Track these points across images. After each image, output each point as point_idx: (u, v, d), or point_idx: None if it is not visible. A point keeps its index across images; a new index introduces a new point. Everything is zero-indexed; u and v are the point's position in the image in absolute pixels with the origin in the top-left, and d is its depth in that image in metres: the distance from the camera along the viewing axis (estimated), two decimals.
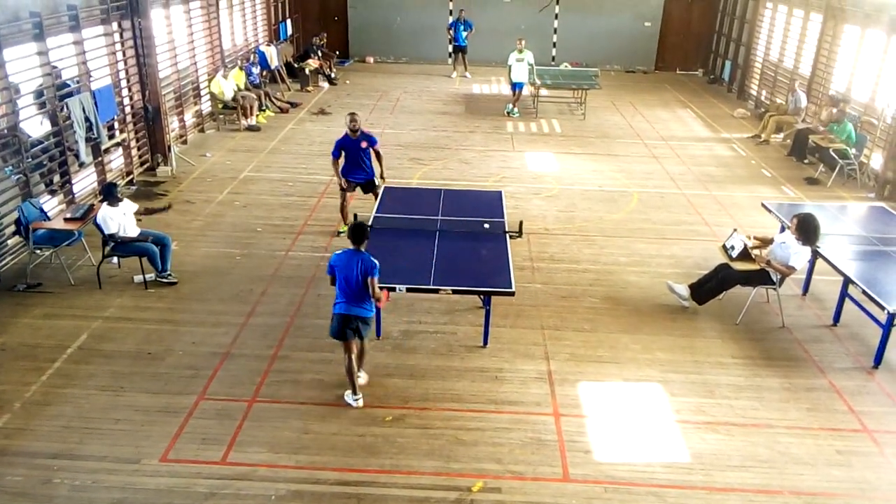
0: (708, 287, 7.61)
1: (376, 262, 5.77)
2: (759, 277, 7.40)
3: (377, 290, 5.78)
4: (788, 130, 13.99)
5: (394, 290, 6.62)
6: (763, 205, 9.00)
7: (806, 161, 12.84)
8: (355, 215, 7.78)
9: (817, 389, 6.48)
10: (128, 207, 7.92)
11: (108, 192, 7.73)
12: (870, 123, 12.13)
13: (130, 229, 7.82)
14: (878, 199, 11.15)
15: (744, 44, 18.51)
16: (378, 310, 6.85)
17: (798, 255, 7.18)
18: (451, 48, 20.51)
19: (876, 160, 11.94)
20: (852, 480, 5.41)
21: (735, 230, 7.84)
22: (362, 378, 6.27)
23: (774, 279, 7.36)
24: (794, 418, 6.06)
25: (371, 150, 9.04)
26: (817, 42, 14.39)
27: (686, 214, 10.51)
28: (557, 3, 21.03)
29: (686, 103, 17.85)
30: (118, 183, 7.97)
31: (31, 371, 6.34)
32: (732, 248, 7.61)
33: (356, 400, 6.05)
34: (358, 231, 5.82)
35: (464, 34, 19.53)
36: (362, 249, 5.82)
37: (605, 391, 6.36)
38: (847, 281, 7.16)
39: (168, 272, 7.96)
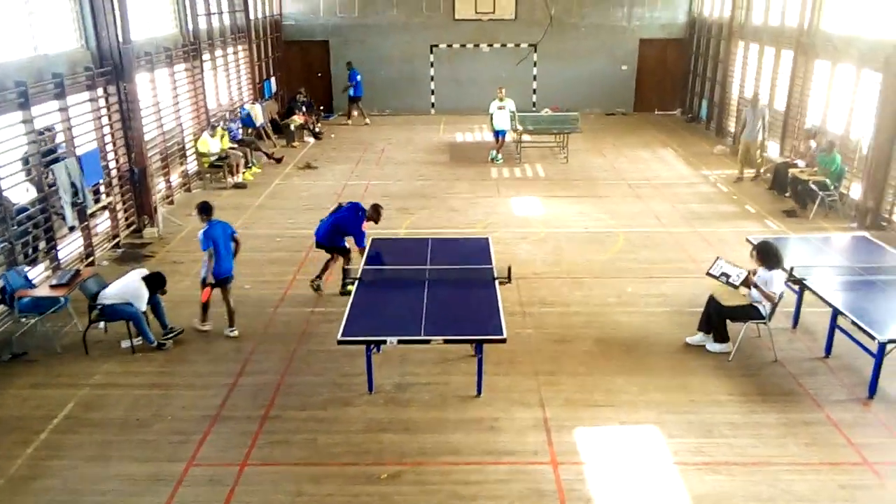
0: (714, 320, 7.58)
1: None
2: (747, 313, 7.41)
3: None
4: (768, 165, 14.21)
5: (384, 342, 6.59)
6: (748, 240, 9.05)
7: (787, 194, 12.99)
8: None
9: (815, 423, 6.43)
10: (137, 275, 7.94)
11: (159, 284, 7.91)
12: (846, 154, 12.33)
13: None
14: (859, 228, 11.27)
15: (719, 82, 18.92)
16: (369, 363, 6.81)
17: (772, 280, 7.22)
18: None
19: (855, 190, 12.11)
20: None
21: (718, 258, 7.82)
22: (234, 333, 8.11)
23: (763, 313, 7.37)
24: (794, 454, 6.00)
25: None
26: (790, 77, 14.72)
27: (673, 252, 10.58)
28: (535, 51, 21.51)
29: (666, 143, 18.13)
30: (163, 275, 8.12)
31: (16, 444, 6.19)
32: (726, 276, 7.52)
33: (204, 324, 8.16)
34: (207, 207, 8.04)
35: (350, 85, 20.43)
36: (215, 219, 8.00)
37: (602, 436, 6.28)
38: (836, 312, 7.18)
39: (170, 327, 7.99)
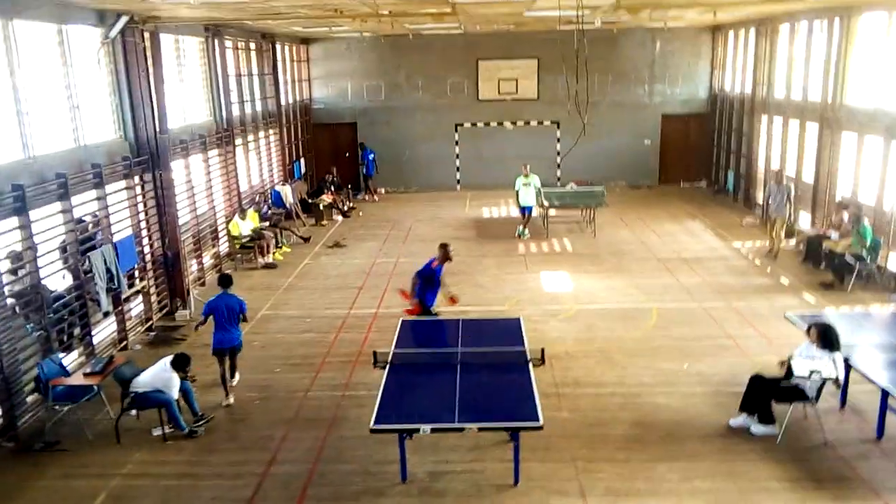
0: (762, 401, 7.31)
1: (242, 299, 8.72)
2: (793, 393, 7.16)
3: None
4: (800, 237, 14.04)
5: (417, 430, 6.44)
6: (786, 317, 8.83)
7: (822, 266, 12.76)
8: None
9: None
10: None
11: (183, 363, 7.83)
12: (881, 226, 12.14)
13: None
14: None
15: (744, 155, 18.98)
16: (402, 451, 6.64)
17: (836, 363, 6.98)
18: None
19: (893, 261, 11.86)
20: None
21: (789, 359, 7.28)
22: (235, 380, 8.82)
23: (810, 395, 7.10)
24: None
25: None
26: (817, 150, 14.71)
27: (707, 328, 10.36)
28: (558, 127, 21.87)
29: (694, 215, 18.07)
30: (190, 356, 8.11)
31: None
32: (817, 372, 6.99)
33: (227, 398, 8.44)
34: (225, 279, 8.80)
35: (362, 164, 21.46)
36: (230, 292, 8.64)
37: None
38: (885, 393, 6.90)
39: (200, 413, 7.96)
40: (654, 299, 11.67)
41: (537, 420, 6.40)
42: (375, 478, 6.84)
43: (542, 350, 7.67)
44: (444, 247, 9.54)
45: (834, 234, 12.82)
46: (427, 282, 9.36)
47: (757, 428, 7.34)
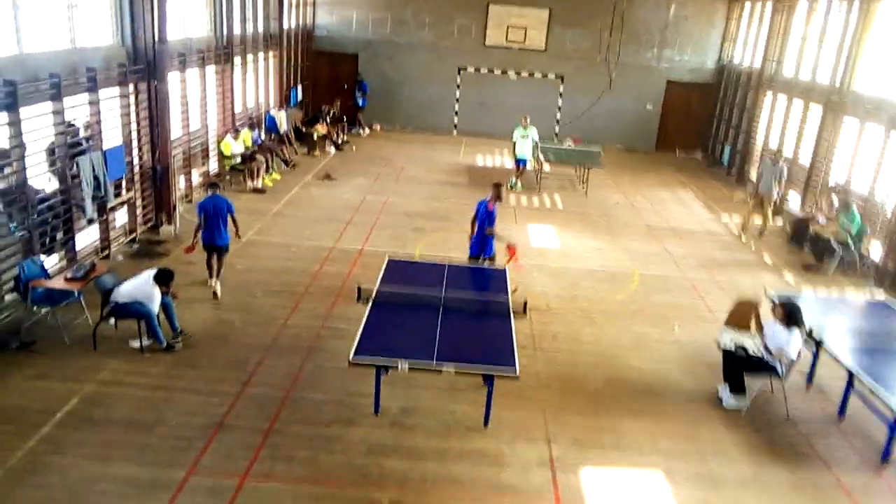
0: (735, 373, 7.48)
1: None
2: (764, 367, 7.31)
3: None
4: (788, 218, 14.12)
5: (395, 367, 6.51)
6: (768, 294, 8.93)
7: (806, 249, 12.89)
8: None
9: (824, 486, 6.32)
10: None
11: (166, 278, 7.76)
12: (869, 215, 12.25)
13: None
14: (878, 289, 11.16)
15: (743, 130, 18.91)
16: (378, 385, 6.73)
17: (790, 341, 7.14)
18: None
19: (875, 251, 12.01)
20: None
21: (720, 333, 7.65)
22: (218, 286, 9.27)
23: (780, 371, 7.27)
24: None
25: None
26: (817, 133, 14.68)
27: (688, 298, 10.49)
28: (563, 82, 21.60)
29: (686, 184, 18.09)
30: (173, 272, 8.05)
31: (16, 436, 6.13)
32: (744, 349, 7.37)
33: (214, 284, 9.27)
34: (213, 183, 9.60)
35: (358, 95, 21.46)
36: (218, 193, 9.31)
37: (608, 479, 6.19)
38: (852, 376, 7.07)
39: (179, 330, 7.97)
40: (639, 264, 11.76)
41: (514, 369, 6.50)
42: (348, 408, 6.94)
43: (525, 302, 7.75)
44: (497, 186, 9.34)
45: (821, 219, 12.92)
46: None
47: (727, 397, 7.52)
